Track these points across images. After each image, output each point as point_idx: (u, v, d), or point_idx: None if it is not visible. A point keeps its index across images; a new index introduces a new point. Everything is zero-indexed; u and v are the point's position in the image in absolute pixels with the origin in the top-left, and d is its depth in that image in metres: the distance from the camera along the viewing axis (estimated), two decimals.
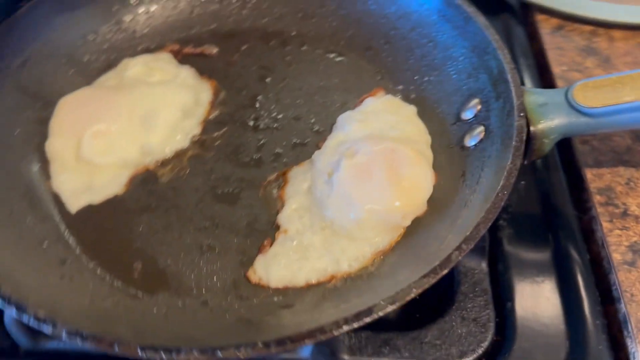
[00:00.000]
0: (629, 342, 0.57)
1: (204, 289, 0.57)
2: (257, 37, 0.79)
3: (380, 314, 0.45)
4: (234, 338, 0.49)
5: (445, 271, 0.47)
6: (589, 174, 0.69)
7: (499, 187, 0.51)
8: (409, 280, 0.48)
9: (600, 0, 0.88)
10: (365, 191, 0.58)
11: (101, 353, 0.52)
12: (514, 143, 0.55)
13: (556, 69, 0.81)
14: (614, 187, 0.68)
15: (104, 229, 0.61)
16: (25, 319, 0.45)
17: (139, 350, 0.42)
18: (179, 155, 0.67)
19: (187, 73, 0.72)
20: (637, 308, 0.58)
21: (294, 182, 0.64)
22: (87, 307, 0.52)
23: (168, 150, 0.66)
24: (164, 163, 0.66)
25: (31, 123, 0.68)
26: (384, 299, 0.45)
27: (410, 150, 0.61)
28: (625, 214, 0.65)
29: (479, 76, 0.65)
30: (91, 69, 0.74)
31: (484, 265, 0.63)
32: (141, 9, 0.78)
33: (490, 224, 0.50)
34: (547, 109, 0.60)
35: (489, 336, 0.58)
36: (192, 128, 0.68)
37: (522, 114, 0.57)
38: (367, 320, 0.45)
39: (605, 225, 0.64)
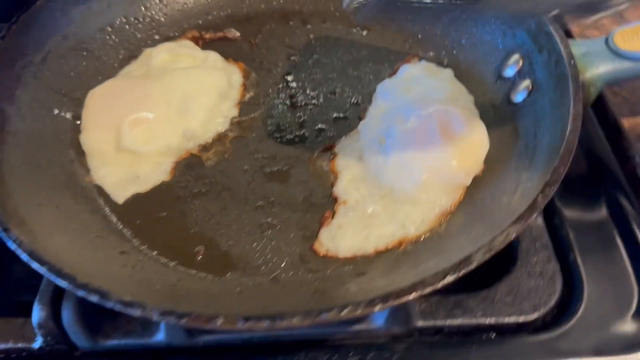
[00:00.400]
0: None
1: (271, 266, 0.55)
2: (275, 18, 0.78)
3: (478, 262, 0.44)
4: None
5: (535, 214, 0.47)
6: (626, 123, 0.70)
7: (567, 132, 0.51)
8: (487, 235, 0.48)
9: None
10: (423, 154, 0.58)
11: (158, 348, 0.53)
12: (572, 89, 0.54)
13: (574, 28, 0.82)
14: None
15: (158, 218, 0.59)
16: (110, 305, 0.42)
17: (240, 323, 0.40)
18: (220, 138, 0.65)
19: (214, 57, 0.70)
20: None
21: (343, 155, 0.62)
22: (160, 291, 0.50)
23: (209, 134, 0.64)
24: (207, 147, 0.64)
25: (60, 118, 0.65)
26: (481, 246, 0.44)
27: (461, 109, 0.60)
28: None
29: (516, 33, 0.64)
30: (112, 61, 0.72)
31: (540, 221, 0.62)
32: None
33: (567, 165, 0.49)
34: (590, 58, 0.60)
35: (558, 288, 0.58)
36: (229, 110, 0.67)
37: (572, 62, 0.57)
38: (469, 269, 0.44)
39: None
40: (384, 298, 0.42)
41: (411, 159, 0.58)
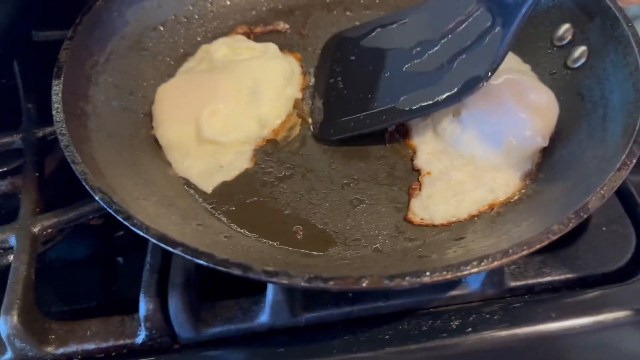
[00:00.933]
0: None
1: (370, 238, 0.57)
2: (318, 8, 0.80)
3: (594, 208, 0.46)
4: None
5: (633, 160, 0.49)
6: None
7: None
8: (580, 187, 0.50)
9: None
10: (501, 122, 0.60)
11: (260, 331, 0.54)
12: (636, 48, 0.58)
13: None
14: None
15: (250, 203, 0.60)
16: (254, 276, 0.43)
17: (386, 281, 0.42)
18: (292, 122, 0.66)
19: (273, 48, 0.71)
20: None
21: (416, 129, 0.65)
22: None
23: (280, 119, 0.65)
24: (280, 132, 0.65)
25: (132, 116, 0.65)
26: (594, 194, 0.47)
27: (528, 76, 0.63)
28: None
29: (563, 5, 0.67)
30: (168, 59, 0.72)
31: None
32: None
33: None
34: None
35: (632, 240, 0.61)
36: (295, 95, 0.68)
37: (630, 24, 0.60)
38: (583, 217, 0.46)
39: None
40: (504, 253, 0.44)
41: (490, 128, 0.60)
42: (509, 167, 0.60)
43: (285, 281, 0.42)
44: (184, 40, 0.74)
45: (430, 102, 0.61)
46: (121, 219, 0.47)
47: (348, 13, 0.79)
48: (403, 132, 0.65)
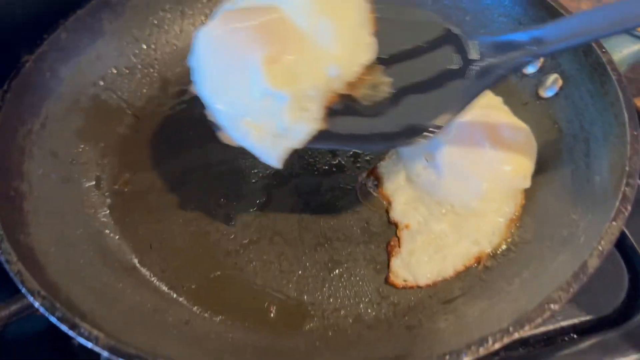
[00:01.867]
0: None
1: (351, 308, 0.52)
2: None
3: (593, 268, 0.43)
4: (427, 349, 0.44)
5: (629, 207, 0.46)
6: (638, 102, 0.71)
7: (626, 120, 0.51)
8: (575, 241, 0.47)
9: None
10: (477, 163, 0.56)
11: None
12: (614, 76, 0.54)
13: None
14: None
15: (213, 279, 0.54)
16: None
17: None
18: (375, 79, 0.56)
19: None
20: None
21: (388, 177, 0.60)
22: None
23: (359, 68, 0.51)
24: (360, 86, 0.52)
25: (73, 185, 0.59)
26: (593, 249, 0.43)
27: (501, 113, 0.59)
28: None
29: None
30: (113, 115, 0.66)
31: None
32: (145, 45, 0.71)
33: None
34: (613, 44, 0.61)
35: (626, 279, 0.58)
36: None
37: (604, 50, 0.57)
38: (584, 280, 0.42)
39: None
40: (523, 322, 0.40)
41: (466, 170, 0.56)
42: (492, 213, 0.55)
43: None
44: (128, 94, 0.68)
45: (362, 134, 0.51)
46: (66, 329, 0.41)
47: None
48: (375, 182, 0.60)
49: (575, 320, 0.56)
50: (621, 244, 0.60)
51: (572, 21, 0.51)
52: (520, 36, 0.51)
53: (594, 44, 0.58)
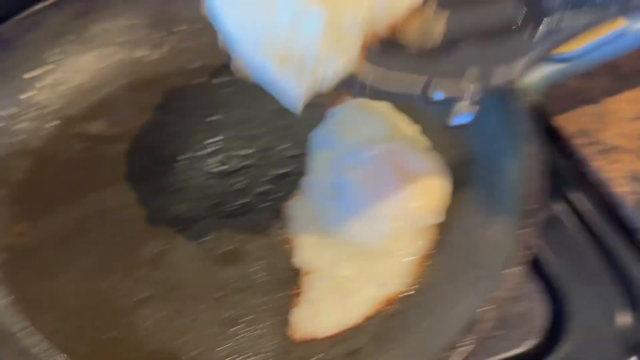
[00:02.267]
0: None
1: None
2: (182, 77, 0.70)
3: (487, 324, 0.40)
4: None
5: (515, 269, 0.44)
6: (559, 120, 0.69)
7: (531, 152, 0.49)
8: (481, 280, 0.45)
9: None
10: (383, 202, 0.54)
11: None
12: (520, 105, 0.53)
13: None
14: (587, 127, 0.68)
15: (106, 340, 0.51)
16: None
17: None
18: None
19: None
20: None
21: (295, 218, 0.57)
22: None
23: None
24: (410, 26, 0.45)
25: None
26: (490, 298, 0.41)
27: (410, 145, 0.57)
28: (610, 149, 0.66)
29: None
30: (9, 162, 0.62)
31: None
32: (42, 82, 0.67)
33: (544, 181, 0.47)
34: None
35: (548, 318, 0.56)
36: None
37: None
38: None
39: (597, 163, 0.65)
40: None
41: (372, 210, 0.54)
42: (400, 253, 0.53)
43: None
44: (27, 135, 0.64)
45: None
46: None
47: (214, 80, 0.71)
48: (282, 223, 0.57)
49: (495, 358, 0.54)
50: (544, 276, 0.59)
51: None
52: None
53: None
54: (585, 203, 0.63)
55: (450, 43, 0.46)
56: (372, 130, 0.60)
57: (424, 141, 0.60)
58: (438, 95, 0.61)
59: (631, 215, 0.61)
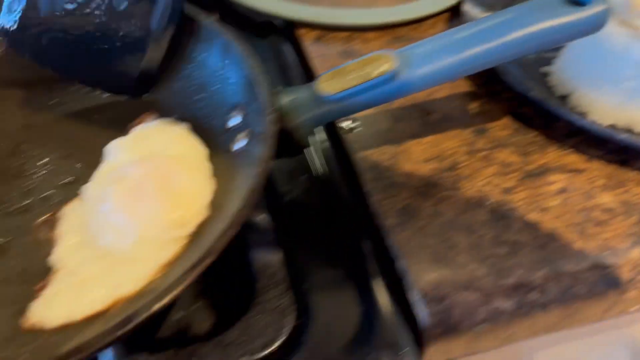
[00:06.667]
0: (410, 293, 0.62)
1: None
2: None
3: (142, 318, 0.45)
4: None
5: (209, 260, 0.48)
6: (358, 156, 0.75)
7: (253, 177, 0.54)
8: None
9: (351, 8, 0.98)
10: (137, 211, 0.58)
11: None
12: (264, 135, 0.58)
13: (321, 72, 0.88)
14: (380, 163, 0.74)
15: None
16: None
17: None
18: None
19: None
20: (413, 261, 0.64)
21: (65, 221, 0.62)
22: None
23: None
24: None
25: None
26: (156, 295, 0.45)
27: (179, 163, 0.62)
28: (392, 184, 0.72)
29: (239, 87, 0.67)
30: None
31: (279, 256, 0.65)
32: None
33: (249, 212, 0.52)
34: (296, 104, 0.65)
35: (290, 321, 0.60)
36: None
37: (272, 109, 0.60)
38: (128, 328, 0.44)
39: (376, 196, 0.70)
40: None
41: (125, 218, 0.58)
42: (144, 260, 0.57)
43: None
44: None
45: None
46: None
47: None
48: (52, 223, 0.62)
49: None
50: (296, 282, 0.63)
51: None
52: None
53: (266, 102, 0.61)
54: (355, 233, 0.69)
55: None
56: (159, 149, 0.65)
57: (203, 164, 0.65)
58: (233, 121, 0.67)
59: (392, 246, 0.66)
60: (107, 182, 0.62)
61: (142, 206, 0.59)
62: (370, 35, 0.96)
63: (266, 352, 0.58)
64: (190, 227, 0.60)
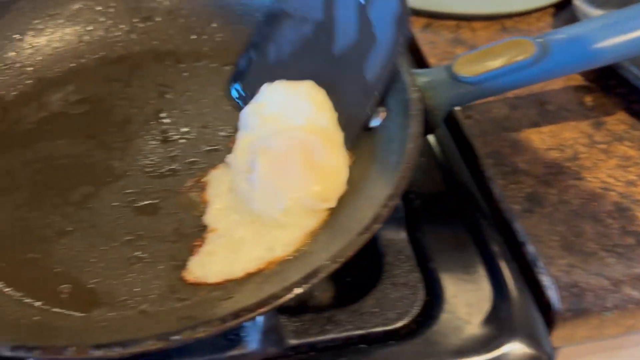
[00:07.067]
0: (542, 277, 0.63)
1: (139, 299, 0.55)
2: (149, 58, 0.80)
3: (326, 273, 0.47)
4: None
5: (378, 224, 0.51)
6: (477, 142, 0.76)
7: (407, 151, 0.56)
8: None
9: None
10: (285, 182, 0.61)
11: None
12: (413, 112, 0.60)
13: (431, 59, 0.89)
14: (500, 150, 0.75)
15: (23, 260, 0.58)
16: None
17: (92, 351, 0.41)
18: None
19: None
20: (542, 246, 0.65)
21: (213, 185, 0.64)
22: (23, 331, 0.50)
23: None
24: None
25: None
26: (331, 257, 0.47)
27: (320, 137, 0.64)
28: (514, 171, 0.73)
29: None
30: None
31: (403, 235, 0.67)
32: (26, 45, 0.76)
33: (407, 179, 0.54)
34: (433, 85, 0.67)
35: (420, 296, 0.62)
36: None
37: (414, 88, 0.62)
38: (314, 281, 0.46)
39: (500, 182, 0.71)
40: (235, 314, 0.44)
41: (275, 188, 0.61)
42: (292, 226, 0.60)
43: None
44: (1, 88, 0.73)
45: None
46: None
47: (180, 65, 0.79)
48: (200, 188, 0.65)
49: (363, 331, 0.59)
50: (422, 260, 0.65)
51: None
52: None
53: (408, 82, 0.63)
54: (479, 215, 0.70)
55: None
56: (292, 115, 0.67)
57: (337, 132, 0.66)
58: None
59: (520, 231, 0.67)
60: (252, 153, 0.64)
61: (289, 177, 0.61)
62: (478, 25, 0.97)
63: (400, 323, 0.60)
64: (333, 201, 0.62)
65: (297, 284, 0.46)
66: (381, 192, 0.57)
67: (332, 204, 0.61)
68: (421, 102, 0.62)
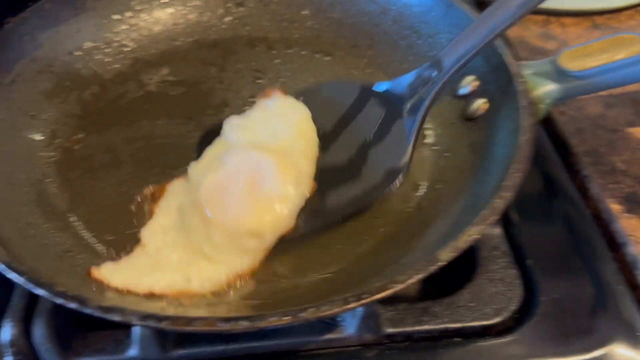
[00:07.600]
0: None
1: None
2: (242, 44, 0.80)
3: (446, 261, 0.47)
4: None
5: (494, 216, 0.50)
6: (573, 140, 0.75)
7: (521, 142, 0.55)
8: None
9: None
10: (221, 210, 0.56)
11: None
12: (523, 103, 0.58)
13: (522, 53, 0.88)
14: (597, 149, 0.73)
15: (128, 234, 0.59)
16: (89, 311, 0.43)
17: (220, 324, 0.41)
18: None
19: None
20: None
21: (168, 197, 0.61)
22: None
23: None
24: None
25: (29, 139, 0.65)
26: (448, 245, 0.47)
27: (278, 162, 0.57)
28: (613, 170, 0.71)
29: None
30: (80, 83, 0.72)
31: (498, 230, 0.66)
32: (124, 25, 0.78)
33: (522, 170, 0.53)
34: (538, 77, 0.65)
35: (517, 293, 0.61)
36: None
37: (522, 80, 0.61)
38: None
39: (599, 181, 0.69)
40: (357, 296, 0.44)
41: (210, 214, 0.56)
42: (219, 262, 0.55)
43: (118, 317, 0.42)
44: (100, 66, 0.75)
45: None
46: None
47: (272, 51, 0.80)
48: (154, 197, 0.62)
49: (459, 325, 0.59)
50: (518, 256, 0.63)
51: (459, 39, 0.59)
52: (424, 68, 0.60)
53: (515, 73, 0.62)
54: (577, 213, 0.68)
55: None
56: (270, 135, 0.62)
57: (304, 164, 0.61)
58: (464, 89, 0.68)
59: (620, 231, 0.66)
60: (209, 167, 0.60)
61: (225, 206, 0.56)
62: (567, 20, 0.94)
63: (497, 319, 0.59)
64: (266, 239, 0.55)
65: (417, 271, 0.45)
66: (489, 182, 0.56)
67: (264, 243, 0.55)
68: (529, 93, 0.61)
